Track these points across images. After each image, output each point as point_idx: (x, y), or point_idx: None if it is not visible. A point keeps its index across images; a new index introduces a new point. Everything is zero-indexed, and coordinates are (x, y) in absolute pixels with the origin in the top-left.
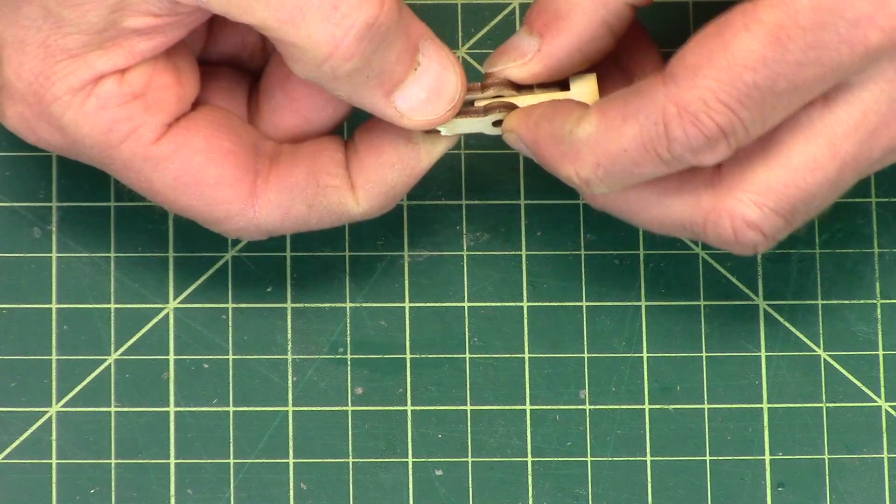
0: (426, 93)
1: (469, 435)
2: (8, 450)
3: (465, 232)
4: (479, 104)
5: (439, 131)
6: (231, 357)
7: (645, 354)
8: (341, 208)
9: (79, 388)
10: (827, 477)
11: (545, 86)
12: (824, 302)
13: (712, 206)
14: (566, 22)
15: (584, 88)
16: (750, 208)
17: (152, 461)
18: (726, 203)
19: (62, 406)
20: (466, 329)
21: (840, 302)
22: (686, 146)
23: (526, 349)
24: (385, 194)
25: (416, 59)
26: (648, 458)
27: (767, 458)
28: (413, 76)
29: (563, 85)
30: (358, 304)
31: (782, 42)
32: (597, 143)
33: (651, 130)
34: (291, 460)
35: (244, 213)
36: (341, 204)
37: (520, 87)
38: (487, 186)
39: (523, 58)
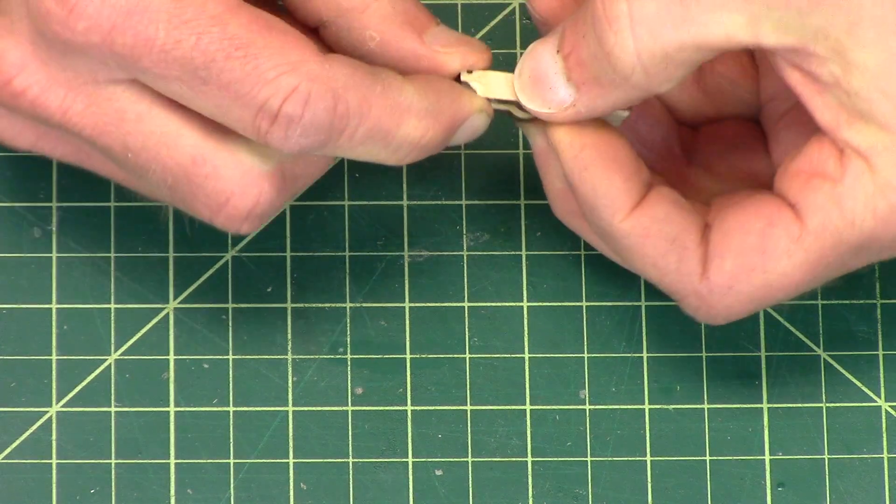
0: (455, 37)
1: (469, 435)
2: (8, 450)
3: (465, 232)
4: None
5: (475, 90)
6: (231, 357)
7: (645, 354)
8: (399, 82)
9: (79, 388)
10: (827, 477)
11: None
12: (824, 302)
13: (699, 305)
14: (605, 90)
15: None
16: (727, 311)
17: (152, 461)
18: (714, 306)
19: (62, 406)
20: (466, 329)
21: (840, 302)
22: (679, 301)
23: (526, 349)
24: (436, 93)
25: (436, 20)
26: (648, 458)
27: (767, 458)
28: (438, 27)
29: None
30: (358, 304)
31: (818, 269)
32: (625, 234)
33: (671, 276)
34: (291, 460)
35: (317, 57)
36: (398, 79)
37: None
38: (487, 186)
39: (560, 106)
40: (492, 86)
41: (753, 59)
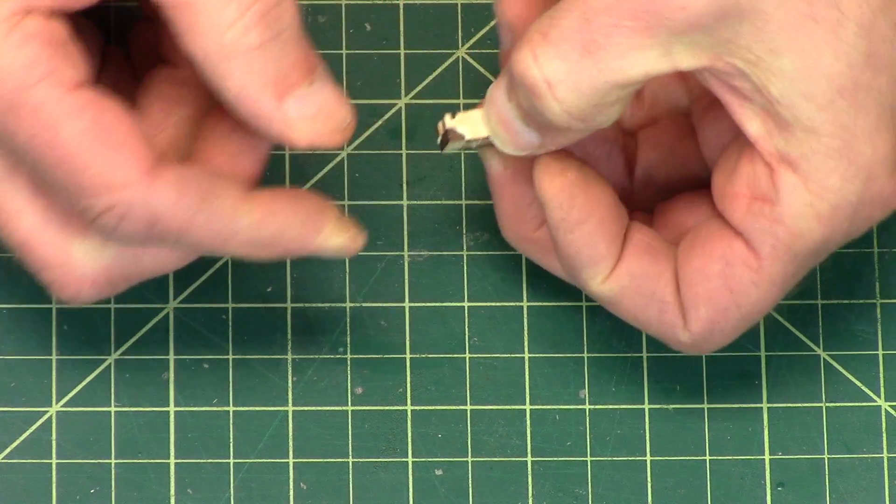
0: (317, 108)
1: (469, 435)
2: (8, 450)
3: (465, 232)
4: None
5: (462, 135)
6: (231, 357)
7: (645, 354)
8: (232, 213)
9: (79, 388)
10: (827, 477)
11: None
12: (824, 302)
13: (686, 348)
14: (560, 133)
15: None
16: (715, 346)
17: (152, 461)
18: (701, 347)
19: (62, 406)
20: (466, 329)
21: (840, 302)
22: (666, 344)
23: (526, 349)
24: (280, 226)
25: (314, 76)
26: (648, 458)
27: (767, 458)
28: (307, 88)
29: None
30: (358, 304)
31: (787, 283)
32: (605, 295)
33: (654, 327)
34: (291, 460)
35: (141, 181)
36: (234, 209)
37: None
38: (487, 186)
39: (531, 147)
40: (478, 126)
41: None
